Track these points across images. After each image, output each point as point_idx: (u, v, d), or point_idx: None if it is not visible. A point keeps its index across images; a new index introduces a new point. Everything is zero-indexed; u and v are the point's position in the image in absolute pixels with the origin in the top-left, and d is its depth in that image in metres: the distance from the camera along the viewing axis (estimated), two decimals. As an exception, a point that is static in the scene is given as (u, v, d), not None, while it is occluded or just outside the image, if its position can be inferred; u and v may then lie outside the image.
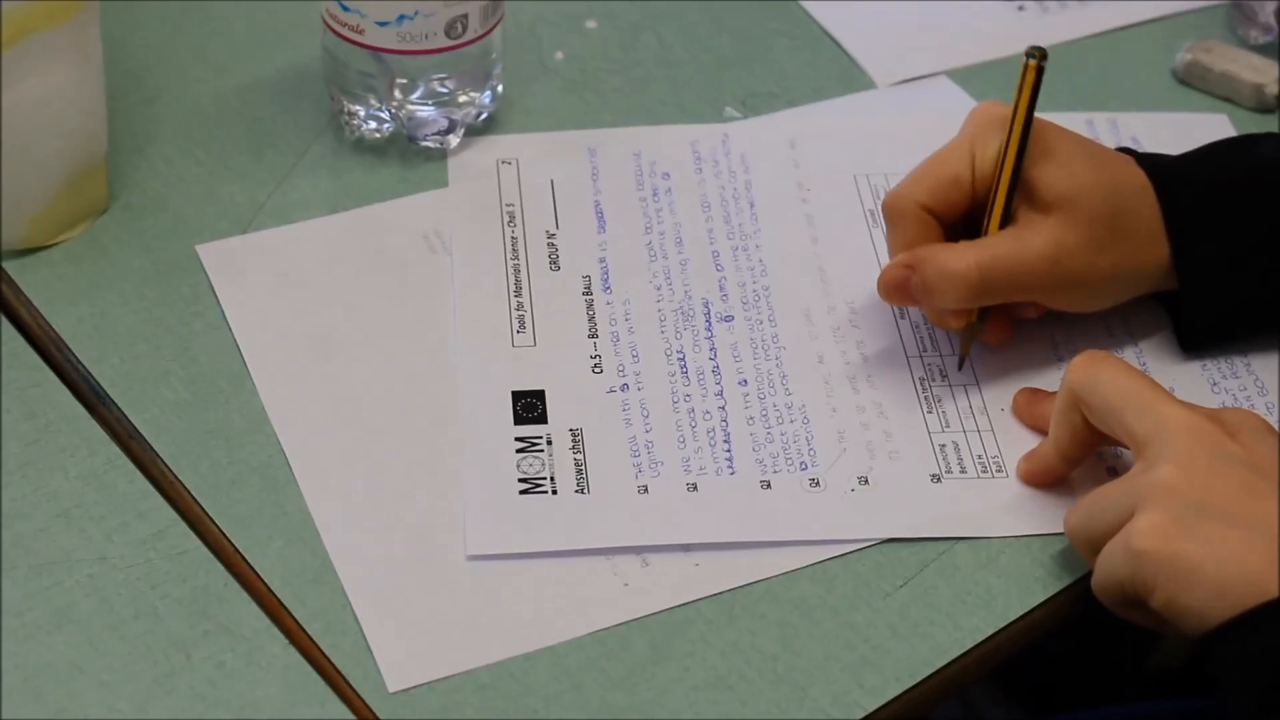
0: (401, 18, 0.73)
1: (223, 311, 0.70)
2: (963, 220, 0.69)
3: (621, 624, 0.62)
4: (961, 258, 0.67)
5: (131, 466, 0.66)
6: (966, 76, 0.82)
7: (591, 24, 0.83)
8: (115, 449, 0.66)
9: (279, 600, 0.62)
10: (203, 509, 0.64)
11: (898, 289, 0.68)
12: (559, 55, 0.81)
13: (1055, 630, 0.64)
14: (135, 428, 0.67)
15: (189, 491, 0.65)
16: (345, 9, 0.73)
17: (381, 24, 0.73)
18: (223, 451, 0.66)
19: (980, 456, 0.67)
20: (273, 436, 0.67)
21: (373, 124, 0.76)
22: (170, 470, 0.66)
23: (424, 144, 0.76)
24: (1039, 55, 0.68)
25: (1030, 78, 0.68)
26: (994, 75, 0.82)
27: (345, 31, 0.74)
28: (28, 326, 0.70)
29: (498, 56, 0.77)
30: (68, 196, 0.73)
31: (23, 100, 0.70)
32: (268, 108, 0.78)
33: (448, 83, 0.76)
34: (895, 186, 0.69)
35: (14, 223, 0.72)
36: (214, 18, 0.82)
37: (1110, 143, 0.77)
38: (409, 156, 0.76)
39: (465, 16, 0.74)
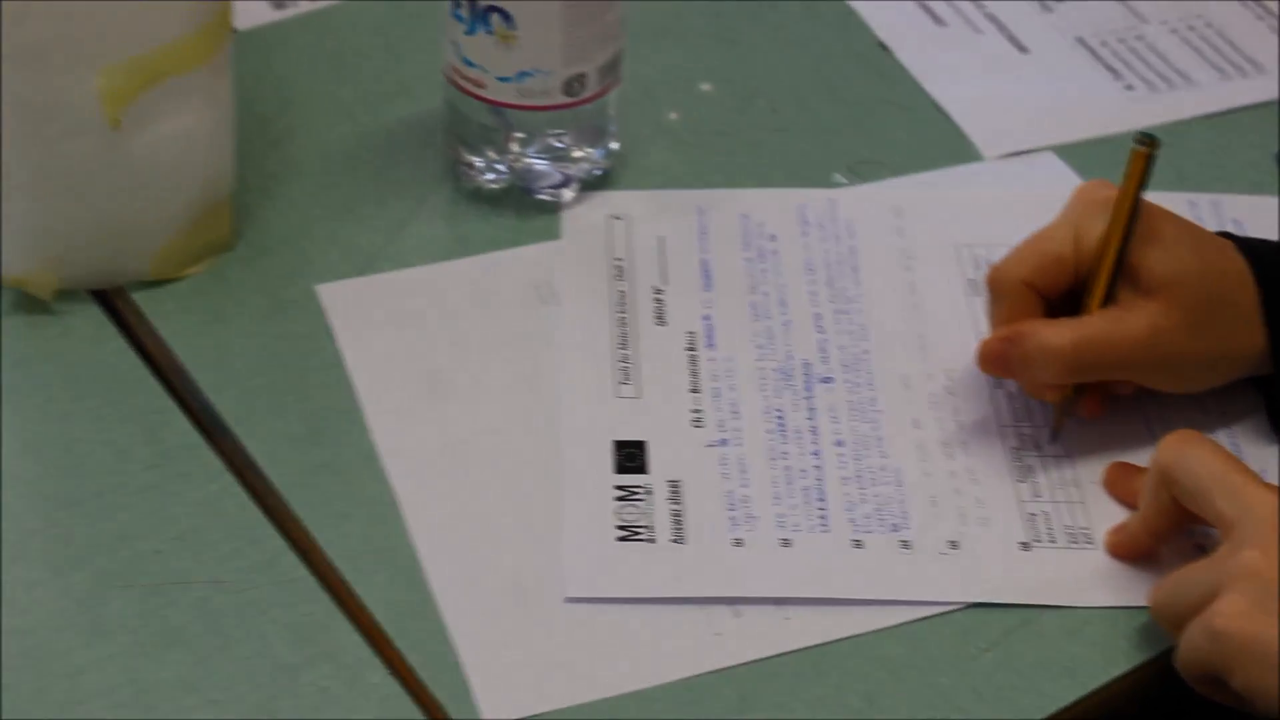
0: (522, 74, 0.76)
1: (339, 350, 0.73)
2: (1065, 295, 0.71)
3: (711, 672, 0.64)
4: (1060, 335, 0.69)
5: (245, 495, 0.68)
6: (1072, 153, 0.83)
7: (706, 87, 0.85)
8: (231, 477, 0.69)
9: (382, 631, 0.64)
10: (312, 539, 0.67)
11: (996, 361, 0.70)
12: (673, 116, 0.83)
13: (1138, 703, 0.66)
14: (251, 458, 0.70)
15: (300, 522, 0.68)
16: (469, 64, 0.76)
17: (502, 79, 0.76)
18: (333, 485, 0.69)
19: (1069, 527, 0.68)
20: (382, 473, 0.69)
21: (490, 175, 0.79)
22: (283, 500, 0.68)
23: (538, 197, 0.79)
24: (1150, 143, 0.69)
25: (1140, 165, 0.69)
26: (1100, 153, 0.83)
27: (467, 85, 0.77)
28: (152, 355, 0.73)
29: (614, 115, 0.79)
30: (194, 232, 0.76)
31: (156, 140, 0.73)
32: (390, 155, 0.81)
33: (564, 138, 0.78)
34: (999, 261, 0.70)
35: (141, 255, 0.75)
36: (343, 67, 0.85)
37: (1212, 225, 0.78)
38: (523, 208, 0.79)
39: (583, 76, 0.76)
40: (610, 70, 0.77)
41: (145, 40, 0.70)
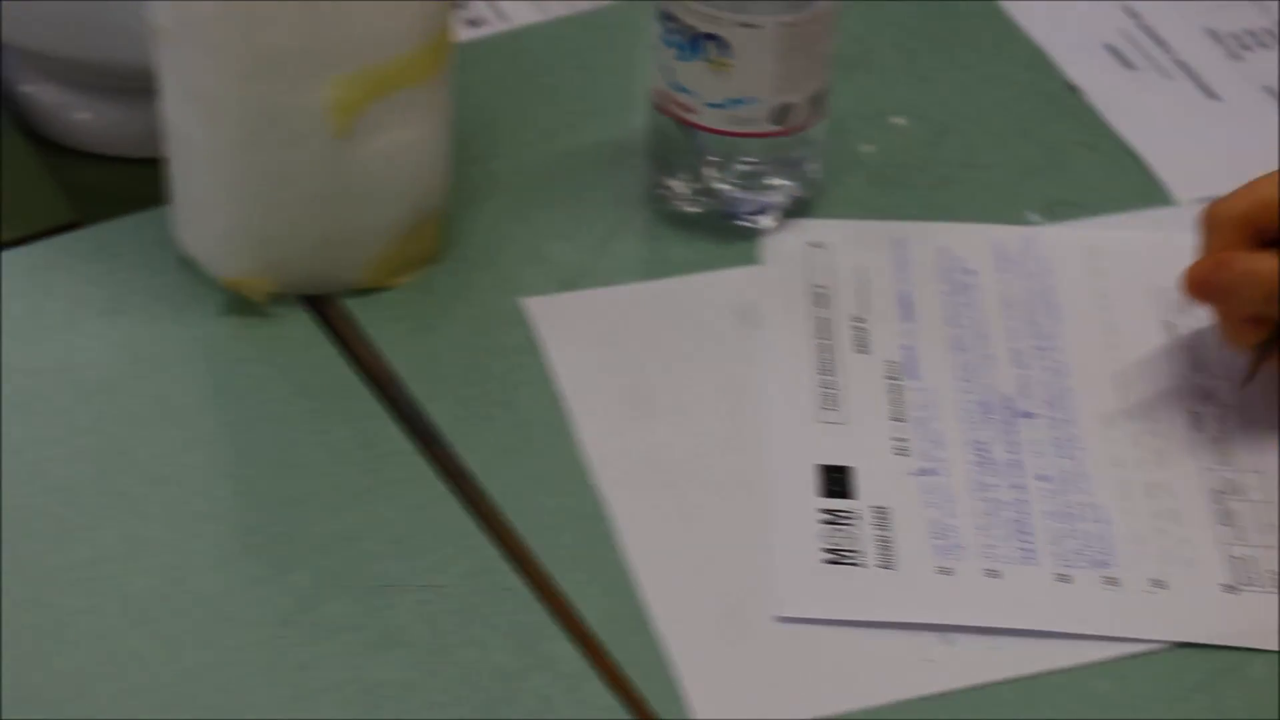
0: (733, 102, 0.77)
1: (544, 364, 0.75)
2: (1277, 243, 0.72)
3: (920, 698, 0.65)
4: (1268, 261, 0.70)
5: (458, 502, 0.70)
6: (1261, 200, 0.84)
7: (898, 121, 0.86)
8: (443, 484, 0.70)
9: (598, 641, 0.65)
10: (526, 549, 0.68)
11: (1201, 286, 0.71)
12: (867, 148, 0.84)
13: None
14: (463, 466, 0.71)
15: (513, 531, 0.69)
16: (680, 89, 0.77)
17: (713, 106, 0.77)
18: (544, 497, 0.70)
19: (1273, 572, 0.69)
20: (592, 486, 0.70)
21: (689, 199, 0.80)
22: (496, 509, 0.70)
23: (736, 222, 0.80)
24: None
25: None
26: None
27: (675, 110, 0.78)
28: (363, 362, 0.75)
29: (816, 145, 0.80)
30: (405, 244, 0.77)
31: (379, 151, 0.74)
32: (588, 175, 0.82)
33: (766, 166, 0.79)
34: (1216, 199, 0.72)
35: (354, 264, 0.76)
36: (544, 88, 0.86)
37: None
38: (722, 233, 0.80)
39: (793, 105, 0.77)
40: (818, 101, 0.78)
41: (377, 52, 0.72)
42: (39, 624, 0.65)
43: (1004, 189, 0.83)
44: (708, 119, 0.78)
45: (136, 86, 0.83)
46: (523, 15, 0.90)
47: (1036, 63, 0.89)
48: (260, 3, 0.70)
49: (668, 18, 0.77)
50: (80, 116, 0.85)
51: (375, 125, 0.73)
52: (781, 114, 0.78)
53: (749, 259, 0.79)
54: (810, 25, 0.76)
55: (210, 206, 0.76)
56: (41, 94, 0.85)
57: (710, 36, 0.76)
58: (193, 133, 0.74)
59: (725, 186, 0.80)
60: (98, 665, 0.64)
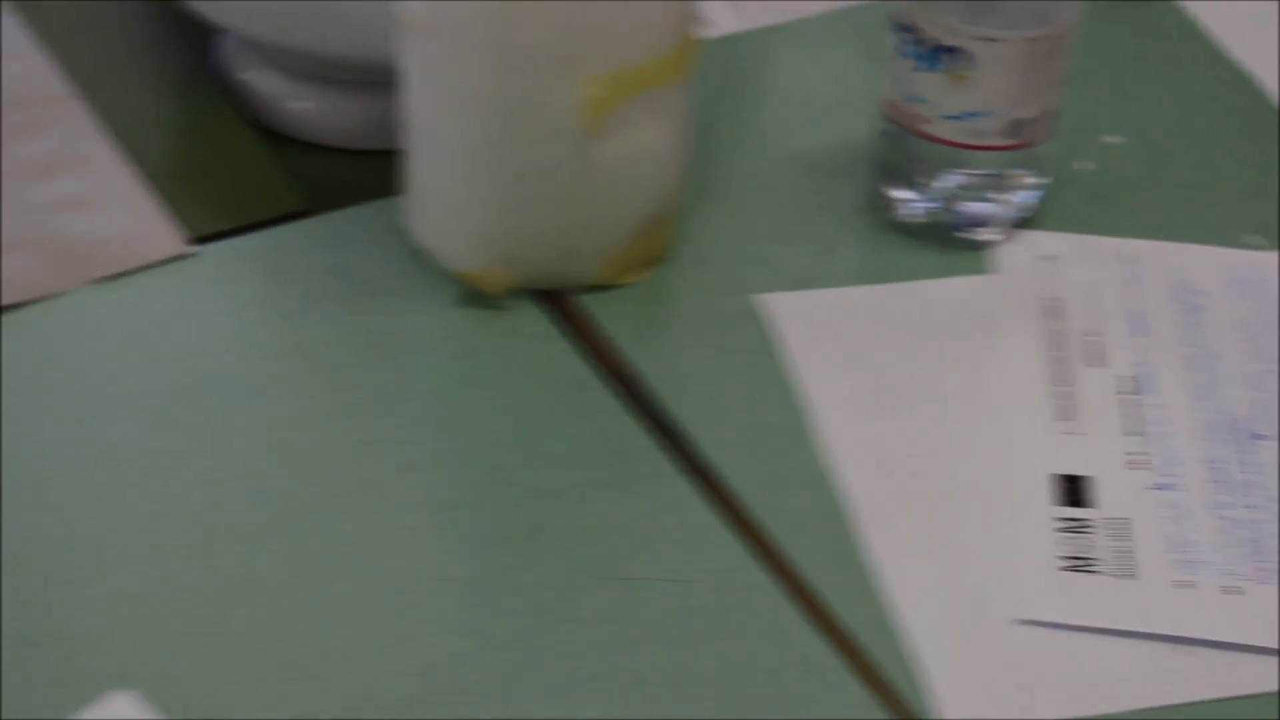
0: (970, 114, 0.77)
1: (780, 362, 0.75)
2: None
3: (1157, 707, 0.66)
4: None
5: (703, 500, 0.70)
6: None
7: (1113, 139, 0.86)
8: (688, 481, 0.71)
9: (854, 642, 0.66)
10: (775, 548, 0.69)
11: None
12: (1085, 165, 0.85)
13: None
14: (708, 464, 0.72)
15: (761, 530, 0.70)
16: (915, 100, 0.78)
17: (949, 118, 0.78)
18: (789, 495, 0.71)
19: None
20: (834, 488, 0.71)
21: (916, 208, 0.81)
22: (743, 507, 0.70)
23: (961, 234, 0.81)
24: None
25: None
26: None
27: (908, 120, 0.79)
28: (603, 358, 0.76)
29: (1043, 161, 0.81)
30: (640, 242, 0.78)
31: (623, 150, 0.75)
32: (815, 180, 0.83)
33: (994, 180, 0.80)
34: None
35: (592, 260, 0.77)
36: (770, 92, 0.87)
37: None
38: (946, 243, 0.81)
39: (1028, 120, 0.78)
40: (1050, 117, 0.79)
41: (631, 52, 0.73)
42: (300, 604, 0.67)
43: (1221, 210, 0.84)
44: (942, 130, 0.78)
45: (358, 78, 0.85)
46: (728, 23, 0.92)
47: (1240, 85, 0.90)
48: (521, 1, 0.71)
49: (907, 29, 0.78)
50: (300, 105, 0.86)
51: (623, 124, 0.74)
52: (1015, 128, 0.78)
53: (975, 269, 0.80)
54: (1051, 41, 0.77)
55: (451, 200, 0.77)
56: (261, 81, 0.87)
57: (952, 49, 0.77)
58: (440, 126, 0.76)
59: (952, 198, 0.81)
60: (361, 643, 0.65)
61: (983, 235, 0.81)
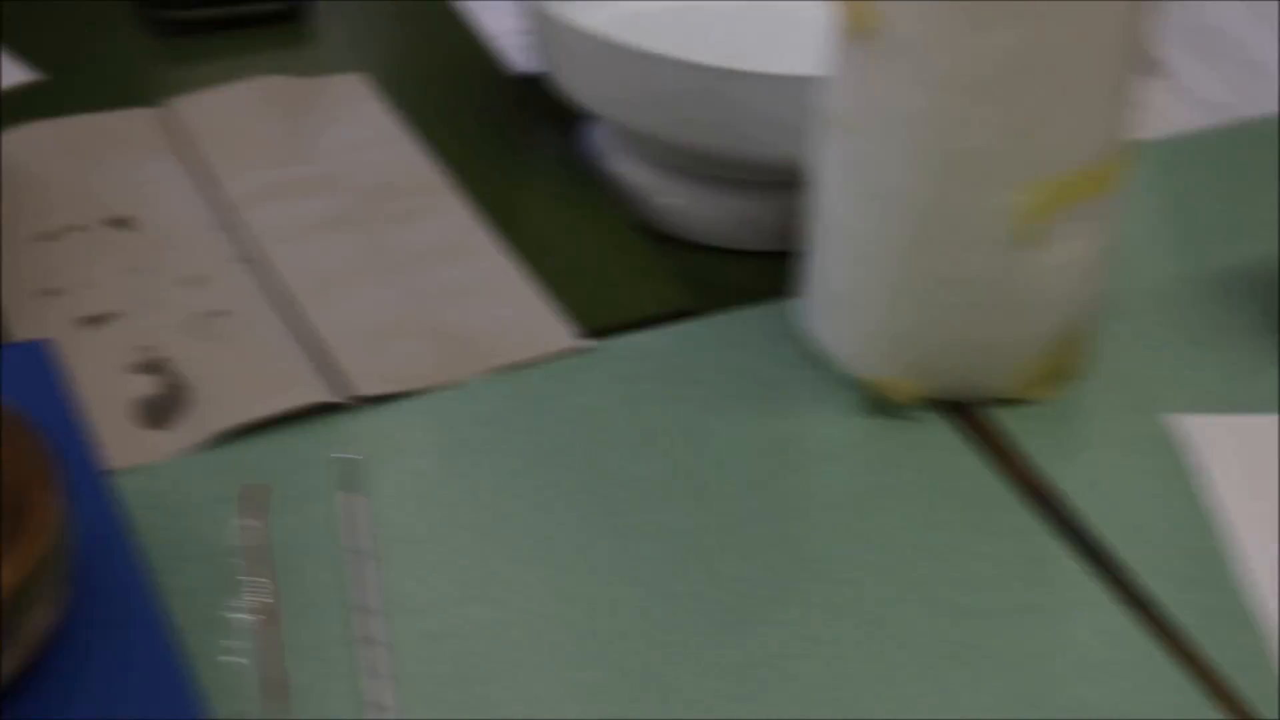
0: None
1: (1197, 487, 0.72)
2: None
3: None
4: None
5: (1143, 632, 0.66)
6: None
7: None
8: (1122, 610, 0.67)
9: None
10: (1231, 689, 0.65)
11: None
12: None
13: None
14: (1144, 593, 0.68)
15: (1215, 670, 0.65)
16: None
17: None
18: (1232, 631, 0.66)
19: None
20: (1267, 623, 0.67)
21: (1335, 333, 0.78)
22: (1191, 643, 0.66)
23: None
24: None
25: None
26: None
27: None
28: (1020, 475, 0.72)
29: None
30: (1055, 356, 0.75)
31: (1051, 261, 0.72)
32: (1222, 299, 0.80)
33: None
34: None
35: (1004, 373, 0.74)
36: (1193, 200, 0.84)
37: None
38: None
39: None
40: None
41: (1069, 160, 0.70)
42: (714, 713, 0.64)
43: None
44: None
45: (736, 177, 0.83)
46: (1176, 114, 0.90)
47: None
48: (961, 104, 0.69)
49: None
50: (669, 201, 0.85)
51: (1051, 234, 0.72)
52: None
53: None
54: None
55: (862, 304, 0.74)
56: (634, 175, 0.86)
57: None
58: (858, 228, 0.73)
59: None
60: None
61: None
